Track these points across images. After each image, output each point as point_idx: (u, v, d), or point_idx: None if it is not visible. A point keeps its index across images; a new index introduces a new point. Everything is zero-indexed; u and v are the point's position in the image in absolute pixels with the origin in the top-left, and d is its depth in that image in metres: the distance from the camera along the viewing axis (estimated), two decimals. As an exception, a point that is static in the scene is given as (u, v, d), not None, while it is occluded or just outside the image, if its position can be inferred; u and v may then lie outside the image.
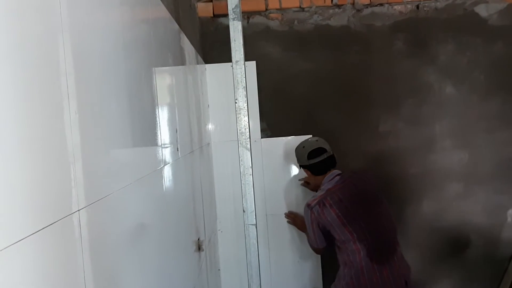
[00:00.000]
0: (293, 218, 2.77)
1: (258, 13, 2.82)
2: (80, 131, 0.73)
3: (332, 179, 2.33)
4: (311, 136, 2.61)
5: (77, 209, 0.71)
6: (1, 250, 0.50)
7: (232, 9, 1.29)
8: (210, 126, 2.80)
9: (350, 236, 2.17)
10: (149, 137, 1.25)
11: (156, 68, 1.39)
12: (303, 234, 2.73)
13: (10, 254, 0.51)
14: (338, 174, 2.35)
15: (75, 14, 0.77)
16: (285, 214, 2.80)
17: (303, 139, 2.63)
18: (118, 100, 0.99)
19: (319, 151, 2.39)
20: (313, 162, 2.38)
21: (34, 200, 0.58)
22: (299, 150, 2.46)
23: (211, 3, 2.80)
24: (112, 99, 0.95)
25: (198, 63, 2.48)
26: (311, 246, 2.43)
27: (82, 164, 0.73)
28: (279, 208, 2.84)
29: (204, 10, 2.79)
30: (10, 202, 0.53)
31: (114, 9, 1.03)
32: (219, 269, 2.79)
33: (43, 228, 0.60)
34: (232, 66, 2.76)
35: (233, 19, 1.30)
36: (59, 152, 0.66)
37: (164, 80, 1.51)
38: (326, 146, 2.42)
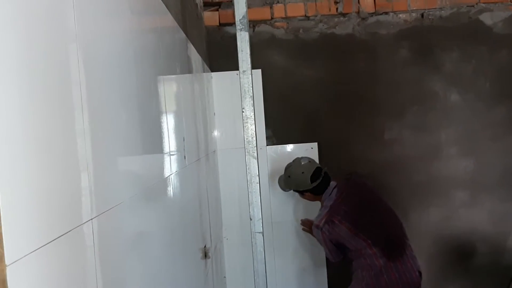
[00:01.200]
0: (309, 226, 2.75)
1: (264, 21, 2.85)
2: (92, 140, 0.75)
3: (330, 194, 2.35)
4: (302, 156, 2.52)
5: (90, 218, 0.72)
6: (26, 255, 0.51)
7: (240, 19, 1.31)
8: (216, 134, 2.82)
9: (365, 243, 2.21)
10: (158, 145, 1.26)
11: (164, 77, 1.41)
12: (310, 241, 2.74)
13: (29, 262, 0.53)
14: (334, 187, 2.37)
15: (87, 23, 0.78)
16: (301, 220, 2.77)
17: (308, 147, 2.65)
18: (128, 109, 1.00)
19: (317, 171, 2.39)
20: (316, 184, 2.39)
21: (50, 209, 0.59)
22: (298, 176, 2.41)
23: (217, 12, 2.83)
24: (123, 108, 0.96)
25: (204, 71, 2.50)
26: (329, 260, 2.46)
27: (94, 173, 0.75)
28: (284, 216, 2.85)
29: (211, 19, 2.82)
30: (29, 211, 0.54)
31: (125, 18, 1.05)
32: (224, 276, 2.80)
33: (60, 236, 0.61)
34: (238, 74, 2.79)
35: (240, 30, 1.32)
36: (73, 161, 0.68)
37: (172, 89, 1.53)
38: (315, 163, 2.44)
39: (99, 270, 0.74)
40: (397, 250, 2.22)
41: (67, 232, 0.64)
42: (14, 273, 0.49)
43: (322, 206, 2.38)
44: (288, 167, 2.46)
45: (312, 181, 2.38)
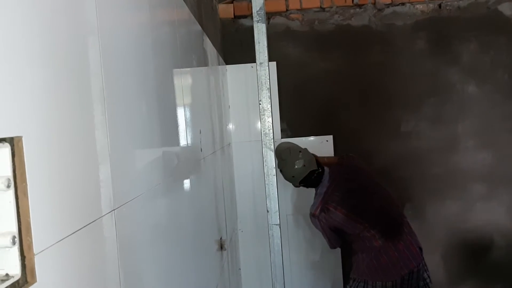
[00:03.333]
0: None
1: (279, 13, 2.83)
2: (112, 132, 0.75)
3: (323, 180, 2.32)
4: (300, 151, 2.37)
5: (112, 209, 0.73)
6: (52, 245, 0.52)
7: (257, 11, 1.30)
8: (230, 127, 2.82)
9: (362, 226, 2.20)
10: (176, 137, 1.27)
11: (181, 69, 1.41)
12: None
13: (55, 252, 0.54)
14: (327, 173, 2.33)
15: (107, 16, 0.79)
16: None
17: (323, 139, 2.64)
18: (147, 101, 1.01)
19: (309, 175, 2.32)
20: (305, 185, 2.36)
21: (74, 201, 0.60)
22: (288, 177, 2.35)
23: (231, 5, 2.82)
24: (142, 100, 0.97)
25: (219, 64, 2.50)
26: (329, 247, 2.45)
27: (115, 165, 0.75)
28: (298, 208, 2.85)
29: (225, 11, 2.81)
30: (54, 203, 0.55)
31: (143, 11, 1.05)
32: (239, 268, 2.81)
33: (83, 227, 0.62)
34: (252, 67, 2.79)
35: (257, 21, 1.31)
36: (95, 154, 0.69)
37: (188, 81, 1.53)
38: (313, 165, 2.32)
39: (120, 259, 0.75)
40: (395, 230, 2.22)
41: (90, 223, 0.65)
42: (41, 261, 0.50)
43: (316, 193, 2.36)
44: (282, 160, 2.34)
45: (300, 184, 2.36)
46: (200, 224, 1.55)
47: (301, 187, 2.42)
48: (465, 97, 2.83)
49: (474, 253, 2.88)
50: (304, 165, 2.31)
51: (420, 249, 2.25)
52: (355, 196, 2.26)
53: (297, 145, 2.42)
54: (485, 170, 2.84)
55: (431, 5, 2.82)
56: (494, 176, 2.84)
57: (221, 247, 1.99)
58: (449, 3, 2.82)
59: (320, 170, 2.34)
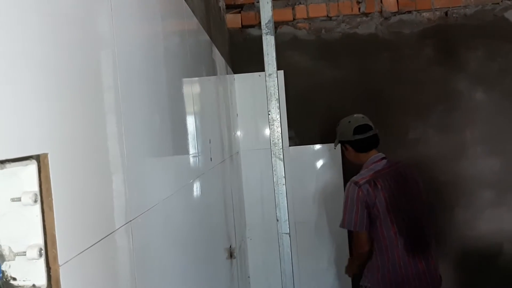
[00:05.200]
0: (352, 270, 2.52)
1: (286, 23, 2.86)
2: (131, 146, 0.77)
3: (379, 161, 2.23)
4: (351, 115, 2.40)
5: (129, 220, 0.75)
6: (75, 256, 0.54)
7: (265, 24, 1.33)
8: (239, 135, 2.84)
9: (391, 225, 2.11)
10: (187, 148, 1.29)
11: (191, 79, 1.43)
12: (333, 241, 2.74)
13: (78, 262, 0.55)
14: (383, 158, 2.26)
15: (123, 29, 0.81)
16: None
17: (331, 147, 2.64)
18: (160, 111, 1.03)
19: (365, 127, 2.28)
20: (359, 138, 2.27)
21: (95, 214, 0.62)
22: (344, 124, 2.34)
23: (239, 15, 2.85)
24: (155, 110, 0.99)
25: (227, 73, 2.52)
26: (344, 227, 2.25)
27: (132, 177, 0.77)
28: (307, 216, 2.85)
29: (233, 21, 2.84)
30: (77, 216, 0.57)
31: (156, 23, 1.08)
32: (248, 276, 2.82)
33: (103, 239, 0.63)
34: (260, 76, 2.81)
35: (266, 34, 1.33)
36: (113, 166, 0.71)
37: (198, 91, 1.56)
38: (371, 124, 2.32)
39: (136, 269, 0.77)
40: (420, 247, 2.13)
41: (109, 235, 0.66)
42: (65, 272, 0.52)
43: (365, 165, 2.25)
44: (347, 117, 2.38)
45: (355, 133, 2.28)
46: (210, 233, 1.57)
47: (348, 149, 2.32)
48: (473, 104, 2.83)
49: (484, 260, 2.87)
50: (363, 117, 2.31)
51: (440, 277, 2.18)
52: (401, 194, 2.16)
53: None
54: (493, 177, 2.83)
55: (437, 13, 2.84)
56: (503, 183, 2.83)
57: (231, 255, 2.00)
58: (455, 10, 2.83)
59: (377, 133, 2.29)
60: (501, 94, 2.83)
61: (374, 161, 2.24)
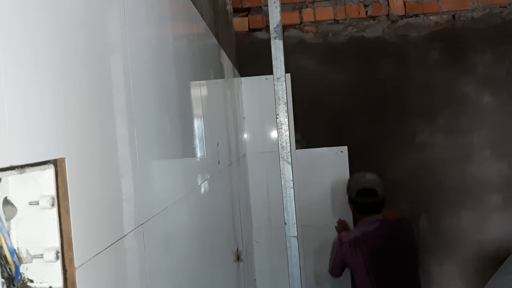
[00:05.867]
0: (342, 227, 2.69)
1: (293, 26, 2.86)
2: (143, 149, 0.78)
3: (372, 223, 2.29)
4: (365, 172, 2.45)
5: (141, 223, 0.75)
6: (90, 259, 0.55)
7: (274, 28, 1.33)
8: (245, 138, 2.85)
9: (370, 286, 2.19)
10: (196, 151, 1.29)
11: (200, 82, 1.44)
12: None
13: (93, 265, 0.56)
14: (380, 220, 2.30)
15: (136, 33, 0.82)
16: (339, 219, 2.70)
17: (338, 150, 2.64)
18: (170, 115, 1.04)
19: (370, 193, 2.33)
20: (359, 201, 2.35)
21: (108, 217, 0.63)
22: (352, 182, 2.43)
23: (246, 18, 2.86)
24: (166, 114, 1.00)
25: (234, 76, 2.54)
26: (328, 270, 2.43)
27: (144, 181, 0.78)
28: (314, 219, 2.85)
29: (240, 24, 2.85)
30: (91, 220, 0.58)
31: (167, 27, 1.09)
32: (255, 279, 2.82)
33: (116, 241, 0.64)
34: (266, 78, 2.82)
35: (275, 38, 1.34)
36: (126, 170, 0.71)
37: (207, 94, 1.57)
38: (380, 188, 2.34)
39: (147, 271, 0.78)
40: None
41: (123, 237, 0.67)
42: (81, 275, 0.53)
43: (358, 225, 2.35)
44: (361, 173, 2.44)
45: (357, 195, 2.34)
46: (218, 236, 1.58)
47: (349, 203, 2.41)
48: (480, 108, 2.82)
49: (491, 264, 2.85)
50: (374, 180, 2.34)
51: None
52: (387, 258, 2.22)
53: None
54: (501, 180, 2.82)
55: (445, 16, 2.83)
56: (511, 186, 2.82)
57: (238, 258, 2.01)
58: (463, 14, 2.82)
59: (382, 200, 2.32)
60: (509, 97, 2.81)
61: (368, 222, 2.31)
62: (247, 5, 2.85)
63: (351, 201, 2.40)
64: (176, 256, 1.00)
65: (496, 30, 2.81)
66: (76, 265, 0.52)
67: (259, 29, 2.84)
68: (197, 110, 1.35)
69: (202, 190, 1.34)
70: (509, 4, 2.80)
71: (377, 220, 2.29)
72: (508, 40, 2.80)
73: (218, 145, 1.68)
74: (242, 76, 2.85)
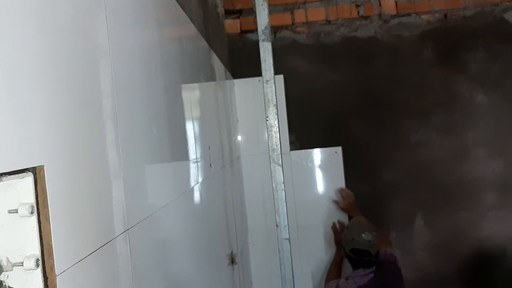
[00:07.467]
0: (340, 228, 2.76)
1: (285, 27, 2.87)
2: (128, 154, 0.78)
3: (366, 275, 2.34)
4: (363, 228, 2.44)
5: (126, 229, 0.75)
6: (71, 266, 0.54)
7: (262, 30, 1.33)
8: (239, 140, 2.85)
9: None
10: (185, 155, 1.29)
11: (189, 85, 1.44)
12: (334, 246, 2.75)
13: (74, 272, 0.56)
14: (372, 272, 2.35)
15: (118, 38, 0.82)
16: (336, 222, 2.79)
17: (332, 151, 2.66)
18: (158, 119, 1.04)
19: (363, 253, 2.36)
20: (353, 257, 2.40)
21: (91, 223, 0.63)
22: (348, 236, 2.44)
23: (238, 20, 2.86)
24: (153, 118, 1.00)
25: (227, 79, 2.53)
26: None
27: (128, 186, 0.78)
28: (309, 220, 2.85)
29: (232, 26, 2.86)
30: (73, 226, 0.58)
31: (152, 31, 1.09)
32: (251, 282, 2.82)
33: (100, 248, 0.64)
34: (260, 81, 2.81)
35: (263, 40, 1.34)
36: (109, 175, 0.71)
37: (196, 98, 1.57)
38: (374, 249, 2.37)
39: (134, 278, 0.78)
40: None
41: (106, 244, 0.67)
42: (62, 282, 0.52)
43: (352, 275, 2.38)
44: (358, 228, 2.44)
45: (351, 251, 2.39)
46: (211, 239, 1.57)
47: (345, 255, 2.47)
48: (474, 106, 2.83)
49: (487, 263, 2.86)
50: (370, 241, 2.36)
51: None
52: None
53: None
54: (496, 179, 2.82)
55: (436, 15, 2.84)
56: (506, 185, 2.83)
57: (232, 261, 2.00)
58: (454, 12, 2.83)
59: (374, 260, 2.37)
60: (503, 95, 2.82)
61: (362, 273, 2.35)
62: (238, 6, 2.85)
63: (345, 252, 2.45)
64: (167, 261, 1.00)
65: (488, 28, 2.82)
66: (57, 272, 0.51)
67: (251, 31, 2.84)
68: (187, 113, 1.35)
69: (193, 194, 1.34)
70: (501, 2, 2.81)
71: (370, 272, 2.35)
72: (500, 38, 2.81)
73: (209, 148, 1.68)
74: (235, 78, 2.85)
